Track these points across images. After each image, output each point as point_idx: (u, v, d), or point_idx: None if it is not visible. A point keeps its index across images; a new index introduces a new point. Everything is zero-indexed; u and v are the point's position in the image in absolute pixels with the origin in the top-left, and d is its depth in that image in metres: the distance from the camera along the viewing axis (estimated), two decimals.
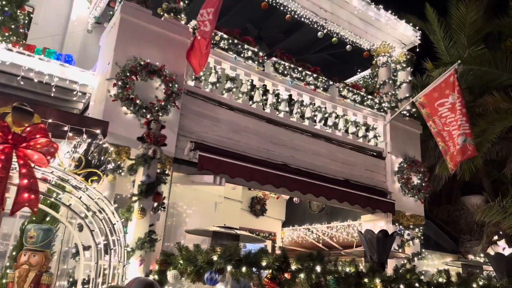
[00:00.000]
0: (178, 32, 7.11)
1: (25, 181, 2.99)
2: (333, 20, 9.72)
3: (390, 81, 10.39)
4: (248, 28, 10.99)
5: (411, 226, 9.19)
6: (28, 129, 3.19)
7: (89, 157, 5.22)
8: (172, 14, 7.14)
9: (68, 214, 4.41)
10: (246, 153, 7.41)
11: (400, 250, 8.54)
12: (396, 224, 9.00)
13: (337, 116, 9.27)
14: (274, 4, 9.33)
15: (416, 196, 9.36)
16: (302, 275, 3.69)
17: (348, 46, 10.28)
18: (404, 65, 10.55)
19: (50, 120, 5.25)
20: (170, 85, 6.54)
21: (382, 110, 9.89)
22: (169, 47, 6.94)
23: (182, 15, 7.33)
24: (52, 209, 3.79)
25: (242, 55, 7.89)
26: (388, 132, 9.73)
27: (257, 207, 11.90)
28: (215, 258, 3.84)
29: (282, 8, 9.44)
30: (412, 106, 9.97)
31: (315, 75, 9.05)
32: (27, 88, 7.33)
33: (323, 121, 9.02)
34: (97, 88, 7.10)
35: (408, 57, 10.61)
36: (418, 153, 10.16)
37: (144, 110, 6.27)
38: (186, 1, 7.51)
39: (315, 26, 9.86)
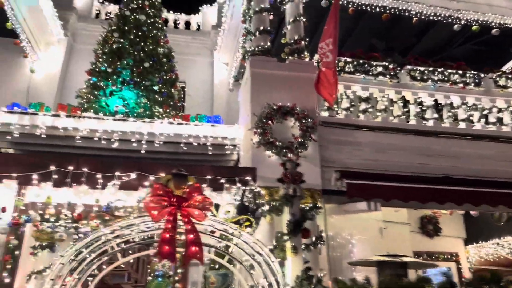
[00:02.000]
0: (303, 70, 7.38)
1: (191, 236, 3.45)
2: (468, 8, 8.74)
3: None
4: (374, 43, 10.69)
5: None
6: (186, 190, 3.70)
7: (244, 203, 5.71)
8: (295, 55, 7.48)
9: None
10: (397, 172, 6.98)
11: None
12: None
13: (499, 110, 8.04)
14: (397, 12, 8.93)
15: None
16: None
17: (494, 30, 9.03)
18: None
19: (208, 177, 6.01)
20: (304, 121, 6.76)
21: None
22: (297, 86, 7.22)
23: (305, 53, 7.59)
24: (219, 256, 4.22)
25: (371, 73, 7.68)
26: None
27: (429, 227, 10.79)
28: None
29: (406, 13, 8.96)
30: None
31: (460, 72, 8.13)
32: (189, 151, 8.46)
33: (483, 120, 7.94)
34: (243, 138, 7.77)
35: None
36: None
37: (284, 150, 6.59)
38: (307, 39, 7.77)
39: (449, 20, 9.01)
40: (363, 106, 7.57)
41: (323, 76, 6.75)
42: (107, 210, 6.16)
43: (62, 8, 11.30)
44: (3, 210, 5.70)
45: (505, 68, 9.99)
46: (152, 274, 7.62)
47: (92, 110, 8.45)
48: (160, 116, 8.93)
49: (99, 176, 5.59)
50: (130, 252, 3.70)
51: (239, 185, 6.12)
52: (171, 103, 9.59)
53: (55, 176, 5.40)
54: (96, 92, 8.88)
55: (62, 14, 11.29)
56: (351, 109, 7.48)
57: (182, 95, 11.62)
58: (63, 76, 11.34)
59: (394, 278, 3.56)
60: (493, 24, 9.01)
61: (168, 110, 9.23)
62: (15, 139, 7.53)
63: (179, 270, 7.11)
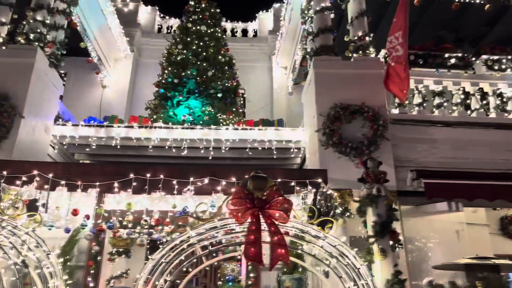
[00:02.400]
0: (369, 67, 7.13)
1: (276, 238, 3.40)
2: None
3: None
4: (442, 35, 10.10)
5: None
6: (267, 192, 3.66)
7: (318, 206, 5.60)
8: (360, 52, 7.26)
9: (312, 262, 4.74)
10: (480, 169, 6.49)
11: None
12: None
13: None
14: (466, 0, 8.39)
15: None
16: None
17: None
18: None
19: (279, 180, 5.97)
20: (374, 119, 6.51)
21: None
22: (365, 84, 6.99)
23: (371, 49, 7.35)
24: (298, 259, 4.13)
25: (444, 65, 7.25)
26: None
27: (510, 228, 9.98)
28: None
29: (477, 0, 8.38)
30: None
31: None
32: (254, 156, 8.51)
33: None
34: (309, 141, 7.66)
35: None
36: None
37: (354, 151, 6.38)
38: (371, 34, 7.52)
39: None
40: (437, 100, 7.16)
41: (393, 71, 6.48)
42: (181, 215, 6.35)
43: (127, 25, 11.96)
44: (87, 217, 6.04)
45: None
46: (222, 279, 7.71)
47: (161, 120, 8.78)
48: (225, 122, 9.08)
49: (174, 182, 5.75)
50: (214, 254, 3.72)
51: (309, 187, 6.02)
52: (234, 109, 9.73)
53: (134, 184, 5.63)
54: (164, 103, 9.22)
55: (128, 31, 11.93)
56: (424, 104, 7.09)
57: (242, 101, 11.75)
58: (131, 89, 11.96)
59: (496, 281, 3.25)
60: None
61: (231, 117, 9.37)
62: (92, 151, 8.02)
63: (251, 275, 7.15)
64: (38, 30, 7.39)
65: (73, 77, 11.38)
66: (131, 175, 5.63)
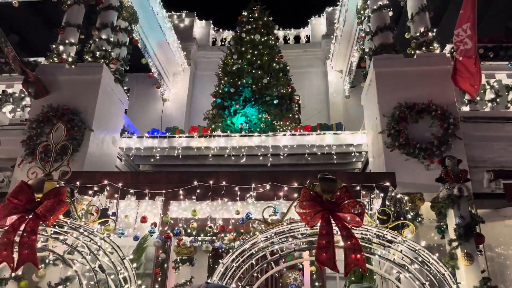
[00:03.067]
0: (435, 63, 6.75)
1: (349, 242, 3.23)
2: None
3: None
4: (510, 26, 9.40)
5: None
6: (336, 194, 3.51)
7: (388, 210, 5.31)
8: (423, 48, 6.90)
9: (383, 268, 4.48)
10: None
11: None
12: None
13: None
14: None
15: None
16: None
17: None
18: None
19: (343, 184, 5.75)
20: (443, 117, 6.11)
21: None
22: (430, 81, 6.62)
23: (435, 45, 6.96)
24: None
25: None
26: None
27: None
28: None
29: None
30: None
31: None
32: (313, 162, 8.34)
33: None
34: (372, 143, 7.36)
35: None
36: None
37: (424, 152, 6.02)
38: (434, 30, 7.14)
39: None
40: (511, 96, 6.60)
41: (461, 66, 6.06)
42: (243, 222, 6.32)
43: (184, 40, 12.39)
44: (154, 225, 6.19)
45: None
46: None
47: (219, 130, 8.90)
48: (281, 129, 9.02)
49: (236, 188, 5.75)
50: (283, 261, 3.63)
51: (377, 191, 5.75)
52: (290, 115, 9.65)
53: (198, 191, 5.70)
54: (221, 112, 9.36)
55: (184, 46, 12.36)
56: (498, 100, 6.56)
57: (297, 107, 11.64)
58: (190, 101, 12.31)
59: None
60: None
61: (288, 123, 9.29)
62: (156, 161, 8.29)
63: (316, 284, 6.94)
64: (103, 48, 7.83)
65: (135, 92, 11.95)
66: (195, 182, 5.71)
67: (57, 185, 3.52)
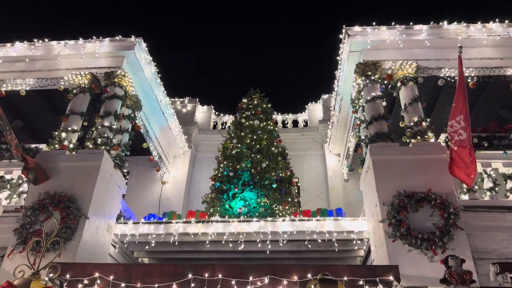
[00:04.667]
0: (430, 152, 6.86)
1: None
2: None
3: None
4: (502, 115, 9.72)
5: None
6: None
7: None
8: (418, 137, 7.06)
9: None
10: None
11: None
12: None
13: None
14: None
15: None
16: None
17: None
18: None
19: (345, 278, 5.50)
20: (443, 207, 6.04)
21: None
22: (428, 169, 6.66)
23: (429, 134, 7.14)
24: None
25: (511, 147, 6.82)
26: None
27: None
28: None
29: None
30: None
31: None
32: (313, 249, 8.06)
33: None
34: (373, 232, 7.20)
35: None
36: None
37: (426, 243, 5.85)
38: (428, 119, 7.38)
39: None
40: (510, 184, 6.60)
41: (456, 156, 6.15)
42: None
43: (185, 124, 12.79)
44: None
45: None
46: None
47: (217, 214, 8.77)
48: (281, 213, 8.89)
49: (233, 282, 5.48)
50: None
51: (380, 286, 5.48)
52: (290, 199, 9.56)
53: (192, 285, 5.43)
54: (220, 196, 9.30)
55: (186, 129, 12.70)
56: (496, 188, 6.55)
57: (296, 190, 11.61)
58: (189, 184, 12.30)
59: None
60: None
61: (287, 207, 9.17)
62: (151, 248, 8.02)
63: None
64: (105, 135, 8.01)
65: (135, 174, 11.98)
66: (190, 275, 5.45)
67: (44, 285, 3.38)
